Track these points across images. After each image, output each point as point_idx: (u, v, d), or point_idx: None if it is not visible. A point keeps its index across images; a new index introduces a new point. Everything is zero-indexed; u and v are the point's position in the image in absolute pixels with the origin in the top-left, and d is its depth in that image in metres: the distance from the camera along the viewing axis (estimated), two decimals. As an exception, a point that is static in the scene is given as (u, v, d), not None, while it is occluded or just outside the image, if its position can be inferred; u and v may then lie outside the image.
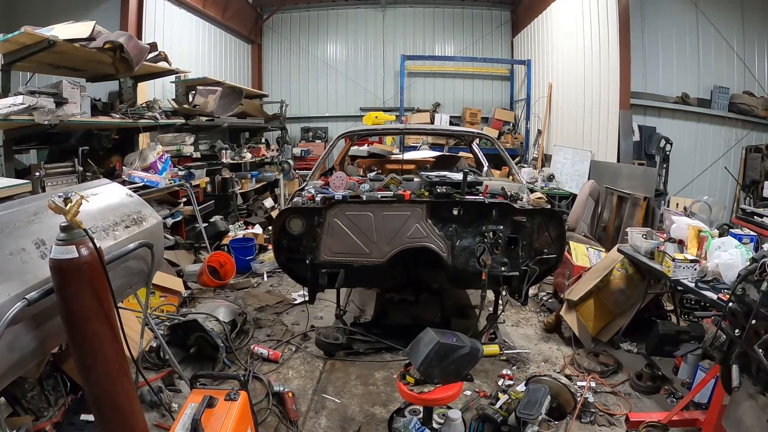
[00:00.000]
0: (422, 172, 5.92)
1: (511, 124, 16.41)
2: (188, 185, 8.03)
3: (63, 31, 5.68)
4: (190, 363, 4.97)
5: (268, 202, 11.95)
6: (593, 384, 4.94)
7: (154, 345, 4.98)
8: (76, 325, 2.60)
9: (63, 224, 2.53)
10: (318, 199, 5.16)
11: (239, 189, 10.85)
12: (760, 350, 2.43)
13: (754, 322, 2.54)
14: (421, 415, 3.93)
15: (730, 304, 2.80)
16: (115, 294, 2.73)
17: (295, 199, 5.46)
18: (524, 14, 15.83)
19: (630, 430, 4.08)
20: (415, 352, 3.66)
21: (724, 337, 2.83)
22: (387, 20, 17.08)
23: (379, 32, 17.10)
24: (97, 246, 2.63)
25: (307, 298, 5.62)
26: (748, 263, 2.77)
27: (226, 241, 8.85)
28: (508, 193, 5.32)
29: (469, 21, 17.18)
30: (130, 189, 4.11)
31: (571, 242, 7.25)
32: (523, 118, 15.89)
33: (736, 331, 2.67)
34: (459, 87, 17.14)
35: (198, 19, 12.32)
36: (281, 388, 4.62)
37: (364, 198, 5.12)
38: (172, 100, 9.74)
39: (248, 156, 11.64)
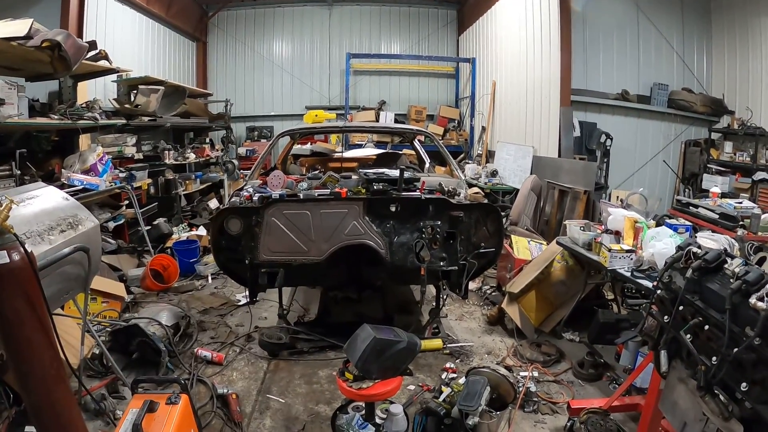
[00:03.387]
0: (360, 170, 5.94)
1: (456, 121, 16.57)
2: (129, 187, 7.85)
3: (-1, 29, 5.53)
4: (134, 369, 4.88)
5: (213, 203, 11.80)
6: (536, 374, 5.03)
7: (97, 352, 4.86)
8: (10, 332, 2.55)
9: (-8, 229, 2.47)
10: (255, 198, 5.13)
11: (183, 190, 10.70)
12: (687, 335, 2.49)
13: (681, 308, 2.60)
14: (363, 412, 3.94)
15: (659, 291, 2.86)
16: (51, 299, 2.69)
17: (233, 199, 5.43)
18: (470, 13, 15.98)
19: (572, 417, 4.14)
20: (353, 348, 3.66)
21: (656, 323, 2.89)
22: (333, 18, 17.03)
23: (326, 30, 17.04)
24: (28, 251, 2.58)
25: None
26: (675, 252, 2.84)
27: (169, 243, 8.70)
28: (446, 189, 5.37)
29: (416, 19, 17.25)
30: (69, 192, 4.04)
31: (512, 236, 7.37)
32: (468, 115, 16.06)
33: (665, 317, 2.72)
34: (405, 85, 17.23)
35: (141, 16, 12.07)
36: (225, 390, 4.56)
37: (301, 196, 5.11)
38: (114, 99, 9.52)
39: (192, 156, 11.49)
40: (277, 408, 4.56)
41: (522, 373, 4.99)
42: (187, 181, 10.96)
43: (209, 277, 7.98)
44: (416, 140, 8.40)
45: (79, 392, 4.01)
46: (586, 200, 8.35)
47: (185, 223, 10.28)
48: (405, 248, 5.12)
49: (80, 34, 8.40)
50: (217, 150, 13.31)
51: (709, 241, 4.50)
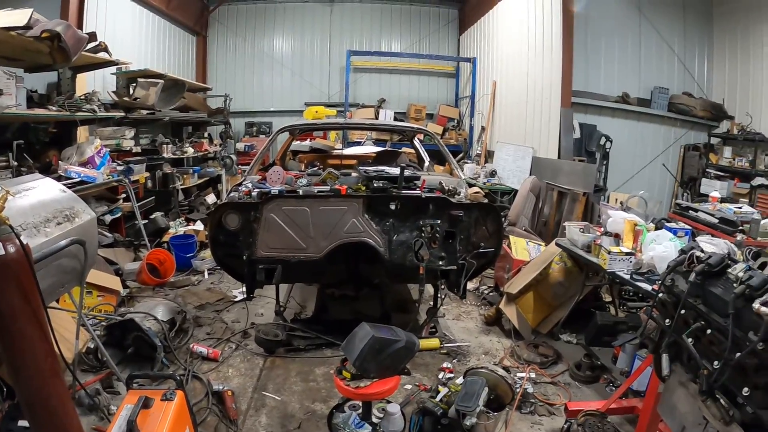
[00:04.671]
0: (360, 167, 5.92)
1: (455, 121, 16.59)
2: (127, 181, 7.81)
3: (-1, 18, 5.50)
4: (129, 364, 4.85)
5: (211, 198, 11.74)
6: (533, 375, 5.03)
7: (92, 346, 4.83)
8: (4, 325, 2.53)
9: (-12, 220, 2.46)
10: (254, 193, 5.12)
11: (180, 185, 10.64)
12: (689, 339, 2.48)
13: (683, 312, 2.60)
14: (360, 410, 3.92)
15: (660, 294, 2.85)
16: (47, 292, 2.67)
17: (231, 194, 5.41)
18: (471, 12, 15.98)
19: (569, 419, 4.14)
20: (351, 347, 3.64)
21: (656, 326, 2.89)
22: (335, 15, 17.00)
23: (327, 27, 17.01)
24: (24, 243, 2.56)
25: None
26: (678, 255, 2.83)
27: (166, 238, 8.65)
28: (446, 188, 5.37)
29: (417, 18, 17.25)
30: (66, 184, 4.02)
31: (511, 236, 7.35)
32: (468, 114, 16.08)
33: (667, 320, 2.72)
34: (405, 83, 17.23)
35: (142, 8, 12.00)
36: (221, 387, 4.54)
37: (301, 192, 5.09)
38: (112, 92, 9.47)
39: (190, 151, 11.42)
40: (273, 405, 4.54)
41: (519, 374, 4.98)
42: (185, 176, 10.90)
43: (206, 273, 7.95)
44: (416, 138, 8.38)
45: (74, 387, 4.00)
46: (585, 202, 8.34)
47: (182, 218, 10.23)
48: (404, 247, 5.10)
49: (80, 26, 8.35)
50: (216, 145, 13.25)
51: (709, 245, 4.50)
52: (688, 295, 2.58)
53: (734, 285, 2.34)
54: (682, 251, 2.80)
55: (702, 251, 2.71)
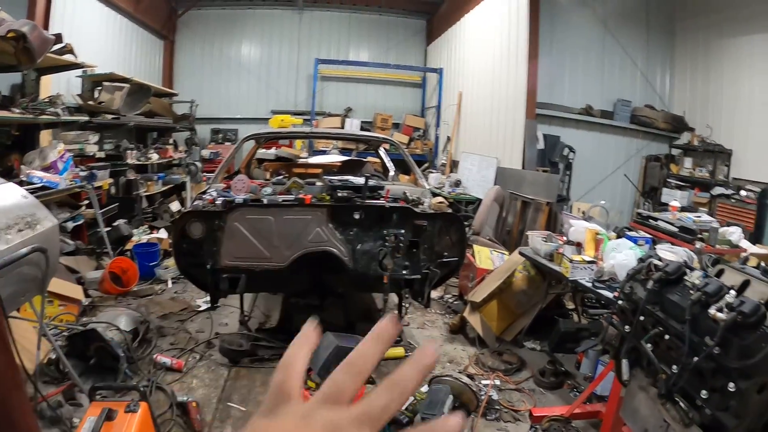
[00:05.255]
0: (325, 176, 5.92)
1: (421, 131, 16.70)
2: (90, 187, 7.64)
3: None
4: (92, 375, 4.73)
5: (175, 206, 11.60)
6: (497, 382, 5.06)
7: (53, 357, 4.72)
8: (-38, 335, 2.47)
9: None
10: (219, 202, 5.07)
11: (144, 191, 10.50)
12: (648, 345, 2.53)
13: (641, 318, 2.65)
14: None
15: (620, 302, 2.91)
16: (7, 301, 2.60)
17: (195, 203, 5.34)
18: (439, 23, 16.14)
19: (534, 425, 4.20)
20: (315, 356, 3.59)
21: (617, 333, 2.94)
22: (303, 23, 17.02)
23: (295, 35, 17.01)
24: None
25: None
26: (636, 264, 2.89)
27: (129, 246, 8.51)
28: (410, 198, 5.40)
29: (385, 27, 17.36)
30: (28, 189, 3.93)
31: (475, 245, 7.40)
32: (434, 124, 16.21)
33: (626, 327, 2.77)
34: (371, 93, 17.27)
35: (110, 10, 11.82)
36: (185, 398, 4.46)
37: (265, 201, 5.07)
38: (77, 95, 9.29)
39: (155, 157, 11.30)
40: (238, 416, 4.48)
41: (484, 382, 5.00)
42: (149, 183, 10.77)
43: (169, 282, 7.83)
44: (381, 148, 8.41)
45: (35, 399, 3.91)
46: (548, 212, 8.44)
47: (146, 226, 10.06)
48: (368, 256, 5.10)
49: (46, 27, 8.19)
50: (181, 151, 13.13)
51: (669, 253, 4.60)
52: (646, 302, 2.63)
53: (691, 292, 2.40)
54: (641, 260, 2.86)
55: (660, 260, 2.78)
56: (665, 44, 11.51)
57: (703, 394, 2.19)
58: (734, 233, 6.23)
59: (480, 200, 10.38)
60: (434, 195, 6.01)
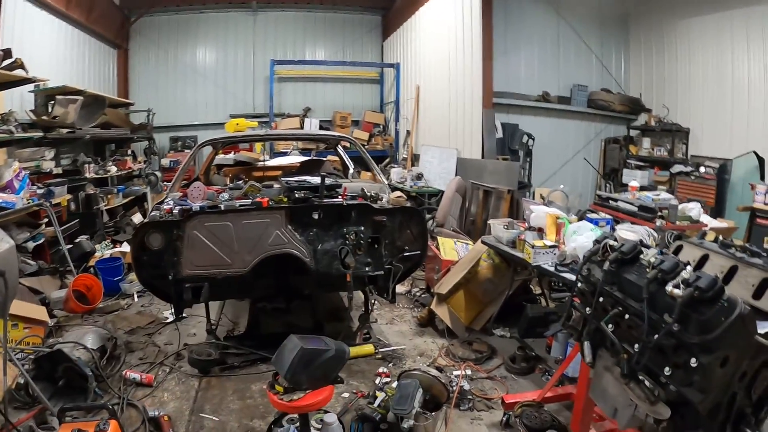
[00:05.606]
0: (282, 178, 5.87)
1: (381, 126, 16.74)
2: (48, 204, 7.51)
3: None
4: (62, 396, 4.62)
5: (137, 218, 11.37)
6: (469, 372, 5.07)
7: (21, 381, 4.61)
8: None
9: None
10: (176, 211, 4.99)
11: (105, 205, 10.31)
12: (609, 325, 2.53)
13: (600, 299, 2.65)
14: (298, 423, 3.86)
15: (579, 284, 2.91)
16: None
17: (153, 213, 5.27)
18: (394, 19, 16.17)
19: (507, 412, 4.21)
20: (281, 360, 3.58)
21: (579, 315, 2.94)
22: (258, 25, 16.87)
23: (250, 37, 16.86)
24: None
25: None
26: (592, 246, 2.88)
27: (92, 262, 8.34)
28: (368, 194, 5.38)
29: (341, 25, 17.33)
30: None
31: (439, 237, 7.42)
32: (393, 119, 16.26)
33: (587, 309, 2.77)
34: (330, 91, 17.22)
35: (60, 22, 11.52)
36: (157, 413, 4.38)
37: (222, 207, 5.02)
38: (30, 111, 9.08)
39: (114, 169, 11.11)
40: (212, 427, 4.43)
41: (455, 372, 5.00)
42: (109, 196, 10.57)
43: (135, 296, 7.69)
44: (340, 146, 8.38)
45: (6, 426, 3.82)
46: (510, 199, 8.49)
47: (108, 240, 9.88)
48: (330, 255, 5.09)
49: (-6, 41, 8.02)
50: (140, 162, 12.96)
51: (629, 232, 4.65)
52: (603, 283, 2.63)
53: (647, 270, 2.40)
54: (596, 241, 2.86)
55: (615, 240, 2.78)
56: (619, 28, 11.71)
57: (666, 371, 2.19)
58: (693, 209, 6.31)
59: (443, 192, 10.39)
60: (393, 190, 5.99)
